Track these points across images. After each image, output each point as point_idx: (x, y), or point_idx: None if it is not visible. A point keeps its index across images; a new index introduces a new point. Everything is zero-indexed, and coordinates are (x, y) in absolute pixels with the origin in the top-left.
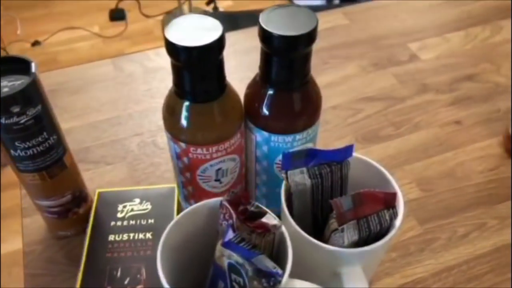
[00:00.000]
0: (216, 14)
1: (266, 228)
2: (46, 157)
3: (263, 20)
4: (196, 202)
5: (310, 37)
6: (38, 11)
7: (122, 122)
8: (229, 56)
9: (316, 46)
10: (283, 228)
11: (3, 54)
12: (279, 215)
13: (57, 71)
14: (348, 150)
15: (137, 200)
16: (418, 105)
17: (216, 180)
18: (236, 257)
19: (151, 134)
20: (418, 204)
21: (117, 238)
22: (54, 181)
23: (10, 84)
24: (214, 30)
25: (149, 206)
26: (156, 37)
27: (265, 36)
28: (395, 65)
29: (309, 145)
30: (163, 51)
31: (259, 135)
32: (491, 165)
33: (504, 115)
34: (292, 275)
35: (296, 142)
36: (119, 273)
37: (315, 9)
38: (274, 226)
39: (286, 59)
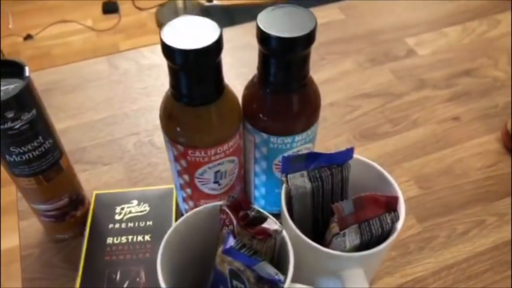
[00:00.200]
0: (211, 8)
1: (267, 234)
2: (42, 161)
3: (261, 21)
4: (194, 204)
5: (309, 38)
6: (30, 4)
7: (118, 121)
8: (224, 53)
9: None
10: (284, 233)
11: None
12: (278, 215)
13: (51, 69)
14: (348, 152)
15: (135, 202)
16: (416, 101)
17: (214, 182)
18: (237, 264)
19: (147, 133)
20: (417, 202)
21: (115, 241)
22: (50, 185)
23: (3, 89)
24: (211, 32)
25: (147, 208)
26: (150, 30)
27: (263, 38)
28: (392, 60)
29: (308, 146)
30: (158, 48)
31: (258, 137)
32: (490, 162)
33: (502, 111)
34: (293, 279)
35: (295, 143)
36: (118, 277)
37: (311, 4)
38: (276, 231)
39: (285, 61)
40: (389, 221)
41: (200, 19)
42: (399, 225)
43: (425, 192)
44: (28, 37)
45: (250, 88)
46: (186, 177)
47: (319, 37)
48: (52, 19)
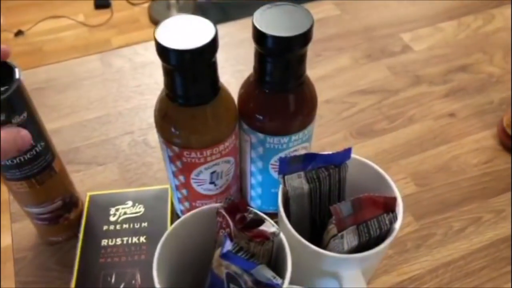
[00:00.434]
0: (205, 3)
1: (264, 237)
2: (33, 164)
3: (257, 20)
4: (190, 204)
5: (306, 37)
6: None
7: (112, 120)
8: (219, 50)
9: None
10: (282, 235)
11: None
12: (275, 214)
13: (44, 67)
14: (346, 152)
15: (130, 203)
16: (412, 98)
17: (210, 183)
18: (234, 268)
19: (142, 132)
20: (414, 199)
21: (110, 243)
22: (43, 188)
23: None
24: (206, 32)
25: (142, 209)
26: (142, 25)
27: (259, 37)
28: (388, 56)
29: (305, 145)
30: (151, 45)
31: (254, 137)
32: (486, 158)
33: (497, 107)
34: (291, 281)
35: (292, 143)
36: (113, 279)
37: None
38: (273, 233)
39: (282, 60)
40: (387, 222)
41: (194, 18)
42: (397, 225)
43: (422, 190)
44: (19, 33)
45: (246, 88)
46: (181, 178)
47: (315, 33)
48: (43, 15)
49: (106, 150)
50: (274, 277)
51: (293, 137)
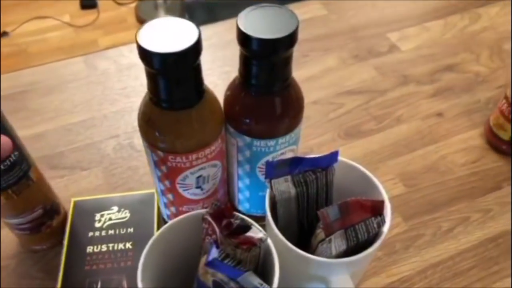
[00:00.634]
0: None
1: (251, 243)
2: (9, 175)
3: (241, 22)
4: (177, 209)
5: (291, 39)
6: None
7: (97, 124)
8: (206, 51)
9: None
10: (269, 241)
11: None
12: (263, 218)
13: (27, 70)
14: (333, 156)
15: (115, 208)
16: (400, 98)
17: (197, 187)
18: (220, 276)
19: (127, 136)
20: (402, 200)
21: (95, 250)
22: (21, 198)
23: None
24: (189, 34)
25: (128, 214)
26: (129, 25)
27: (244, 39)
28: (375, 56)
29: (292, 148)
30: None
31: (241, 140)
32: (473, 158)
33: (484, 106)
34: (279, 285)
35: (279, 145)
36: (99, 286)
37: None
38: (260, 239)
39: (267, 63)
40: (375, 225)
41: (178, 20)
42: (386, 229)
43: (410, 190)
44: (3, 34)
45: (232, 90)
46: (167, 182)
47: (301, 34)
48: (28, 15)
49: (90, 155)
50: (261, 284)
51: (280, 140)
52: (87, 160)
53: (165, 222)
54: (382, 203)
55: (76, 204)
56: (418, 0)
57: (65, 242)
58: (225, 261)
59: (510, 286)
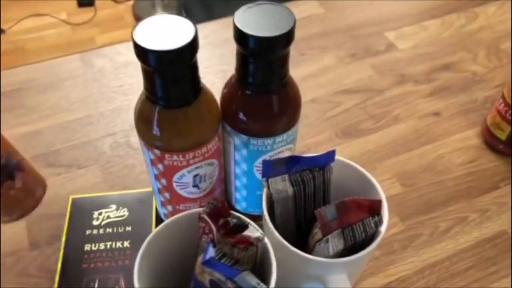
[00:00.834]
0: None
1: (248, 242)
2: None
3: (238, 20)
4: (173, 208)
5: (288, 37)
6: None
7: (93, 121)
8: (203, 49)
9: None
10: (266, 240)
11: None
12: (261, 216)
13: (23, 67)
14: (330, 155)
15: (114, 206)
16: (397, 97)
17: (194, 186)
18: (217, 275)
19: (124, 134)
20: (400, 199)
21: (93, 248)
22: None
23: None
24: (186, 31)
25: (126, 213)
26: (127, 23)
27: (241, 37)
28: (373, 55)
29: (290, 146)
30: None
31: (238, 139)
32: (470, 157)
33: (481, 105)
34: (276, 285)
35: (276, 144)
36: (96, 285)
37: None
38: (257, 238)
39: (264, 61)
40: (372, 225)
41: (174, 18)
42: (383, 228)
43: (407, 190)
44: (0, 31)
45: (229, 88)
46: (163, 181)
47: (299, 32)
48: (25, 13)
49: (87, 153)
50: (259, 284)
51: (277, 139)
52: (83, 158)
53: (162, 221)
54: (379, 202)
55: (73, 202)
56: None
57: (63, 239)
58: (222, 261)
59: (509, 287)
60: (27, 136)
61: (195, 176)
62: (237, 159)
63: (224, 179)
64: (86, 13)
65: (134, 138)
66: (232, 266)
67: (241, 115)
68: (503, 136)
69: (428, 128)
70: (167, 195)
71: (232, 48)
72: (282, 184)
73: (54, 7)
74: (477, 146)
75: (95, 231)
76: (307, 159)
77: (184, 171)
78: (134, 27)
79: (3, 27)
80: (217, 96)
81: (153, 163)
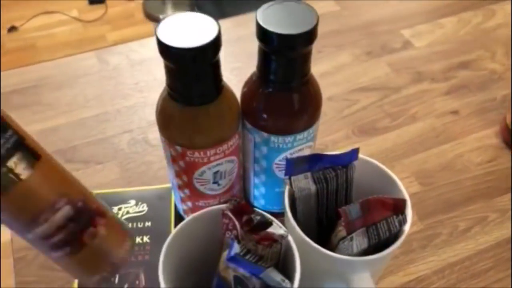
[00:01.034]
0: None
1: (272, 239)
2: None
3: (260, 17)
4: (192, 204)
5: (311, 35)
6: None
7: (110, 118)
8: None
9: None
10: (290, 237)
11: None
12: (279, 214)
13: (39, 65)
14: (353, 153)
15: (133, 202)
16: (414, 95)
17: (214, 183)
18: (241, 271)
19: (141, 130)
20: (418, 198)
21: None
22: (17, 194)
23: None
24: (209, 29)
25: (145, 208)
26: (137, 21)
27: (264, 35)
28: (389, 53)
29: (309, 144)
30: (147, 41)
31: (258, 136)
32: (489, 157)
33: (500, 104)
34: (300, 283)
35: (296, 142)
36: (116, 280)
37: None
38: (281, 236)
39: (286, 59)
40: (396, 223)
41: (196, 15)
42: (407, 227)
43: (426, 189)
44: (12, 28)
45: (249, 86)
46: (184, 177)
47: None
48: (36, 10)
49: (104, 149)
50: (283, 280)
51: (298, 136)
52: (101, 155)
53: (181, 217)
54: (404, 201)
55: None
56: None
57: None
58: (246, 257)
59: None
60: (44, 132)
61: (215, 173)
62: (256, 156)
63: (243, 176)
64: (97, 11)
65: (152, 135)
66: (256, 263)
67: (262, 113)
68: None
69: (446, 127)
70: (186, 191)
71: (244, 46)
72: (304, 182)
73: (65, 5)
74: (496, 145)
75: None
76: (330, 157)
77: (205, 168)
78: (157, 25)
79: (14, 24)
80: (235, 93)
81: (174, 159)
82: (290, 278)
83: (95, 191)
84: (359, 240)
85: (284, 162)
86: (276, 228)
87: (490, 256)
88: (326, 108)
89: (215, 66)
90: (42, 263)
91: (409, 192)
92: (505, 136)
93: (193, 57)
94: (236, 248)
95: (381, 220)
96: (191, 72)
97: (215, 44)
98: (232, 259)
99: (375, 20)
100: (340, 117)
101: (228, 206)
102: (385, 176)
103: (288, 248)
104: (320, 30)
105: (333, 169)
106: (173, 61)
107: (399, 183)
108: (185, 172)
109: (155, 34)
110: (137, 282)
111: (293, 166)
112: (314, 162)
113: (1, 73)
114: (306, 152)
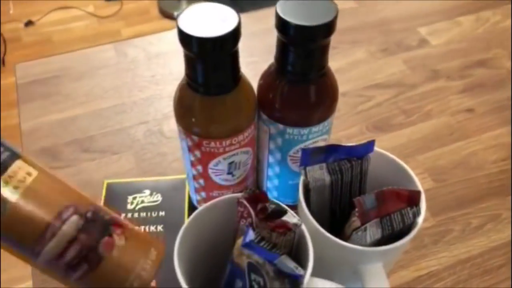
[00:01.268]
0: None
1: (287, 228)
2: None
3: (280, 8)
4: (206, 194)
5: (330, 27)
6: None
7: (127, 110)
8: None
9: None
10: (303, 226)
11: None
12: (292, 206)
13: (58, 56)
14: (369, 145)
15: (147, 192)
16: (429, 92)
17: (228, 173)
18: (256, 258)
19: (157, 122)
20: (431, 195)
21: None
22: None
23: None
24: (229, 20)
25: (160, 198)
26: (152, 17)
27: (283, 26)
28: (405, 50)
29: (324, 137)
30: (165, 35)
31: (274, 128)
32: (504, 155)
33: None
34: (312, 272)
35: (312, 134)
36: None
37: None
38: (295, 224)
39: (305, 50)
40: (410, 215)
41: (217, 6)
42: (420, 219)
43: (439, 185)
44: (29, 23)
45: (267, 78)
46: (199, 167)
47: None
48: (53, 5)
49: (121, 139)
50: (297, 268)
51: (313, 129)
52: (117, 145)
53: (194, 207)
54: (419, 193)
55: (108, 186)
56: None
57: None
58: (261, 244)
59: None
60: (63, 122)
61: (230, 163)
62: (271, 148)
63: (256, 168)
64: (113, 7)
65: (167, 127)
66: (271, 250)
67: (278, 104)
68: None
69: (461, 125)
70: (201, 181)
71: (260, 41)
72: (319, 173)
73: (82, 1)
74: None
75: (129, 215)
76: (346, 149)
77: (220, 158)
78: (178, 14)
79: (31, 19)
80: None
81: (190, 149)
82: (303, 267)
83: (110, 180)
84: (372, 231)
85: (298, 154)
86: (290, 217)
87: (502, 253)
88: (340, 104)
89: (234, 57)
90: None
91: (422, 188)
92: None
93: (213, 47)
94: (251, 235)
95: (395, 212)
96: (210, 61)
97: (235, 34)
98: (247, 245)
99: (392, 17)
100: (354, 113)
101: (244, 194)
102: (400, 169)
103: (302, 237)
104: (337, 26)
105: (348, 161)
106: (193, 50)
107: (414, 176)
108: (200, 162)
109: (176, 23)
110: None
111: (309, 157)
112: (330, 153)
113: (23, 63)
114: (322, 144)
